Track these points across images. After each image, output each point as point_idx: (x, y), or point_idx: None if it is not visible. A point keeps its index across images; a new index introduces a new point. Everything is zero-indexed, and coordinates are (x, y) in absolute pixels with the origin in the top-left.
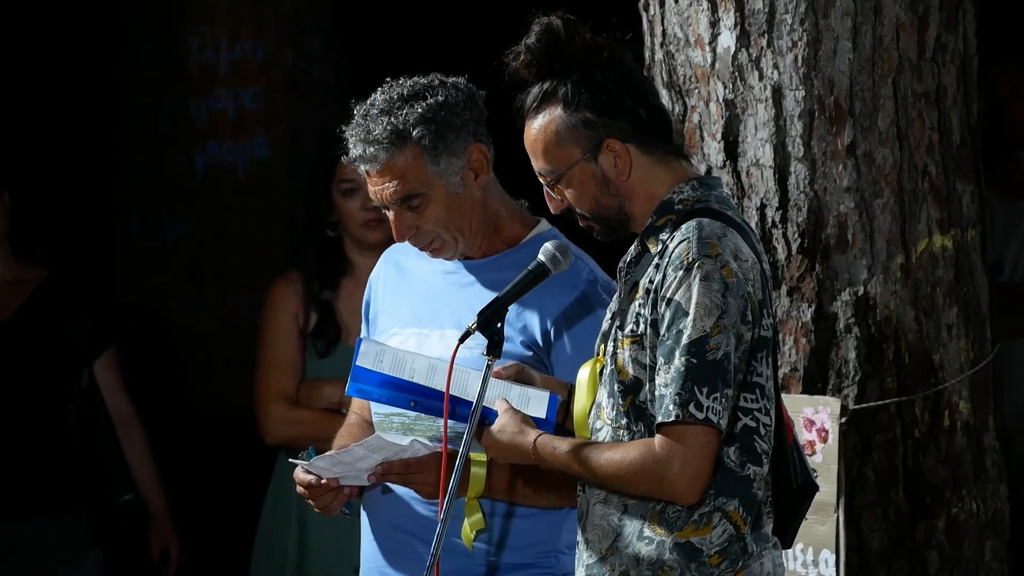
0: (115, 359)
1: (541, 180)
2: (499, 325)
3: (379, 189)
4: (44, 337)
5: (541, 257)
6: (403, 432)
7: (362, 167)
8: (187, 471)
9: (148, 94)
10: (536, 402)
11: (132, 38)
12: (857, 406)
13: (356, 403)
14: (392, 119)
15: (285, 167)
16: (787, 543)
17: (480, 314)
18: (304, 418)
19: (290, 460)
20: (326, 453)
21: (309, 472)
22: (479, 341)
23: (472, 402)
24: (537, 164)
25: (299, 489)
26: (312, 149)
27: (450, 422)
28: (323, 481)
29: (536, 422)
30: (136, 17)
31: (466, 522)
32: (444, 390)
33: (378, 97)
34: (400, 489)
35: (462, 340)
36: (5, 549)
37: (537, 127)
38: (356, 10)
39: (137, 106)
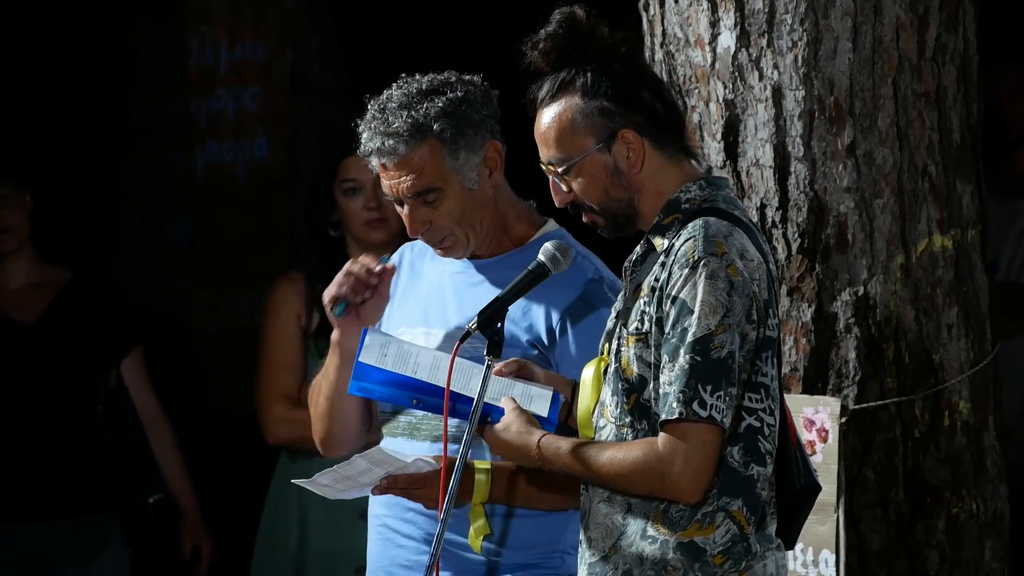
0: (141, 358)
1: (549, 170)
2: (499, 325)
3: (395, 183)
4: (71, 338)
5: (541, 257)
6: (409, 432)
7: (378, 160)
8: (187, 472)
9: (148, 94)
10: (538, 400)
11: (132, 38)
12: (857, 406)
13: None
14: (412, 112)
15: (285, 167)
16: (790, 544)
17: (480, 314)
18: (305, 418)
19: (294, 482)
20: (328, 470)
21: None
22: (484, 340)
23: (475, 399)
24: (548, 152)
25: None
26: (312, 149)
27: (454, 421)
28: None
29: (538, 420)
30: (136, 17)
31: (471, 528)
32: (447, 387)
33: (395, 92)
34: None
35: (462, 340)
36: (37, 550)
37: (551, 115)
38: (356, 10)
39: (137, 106)
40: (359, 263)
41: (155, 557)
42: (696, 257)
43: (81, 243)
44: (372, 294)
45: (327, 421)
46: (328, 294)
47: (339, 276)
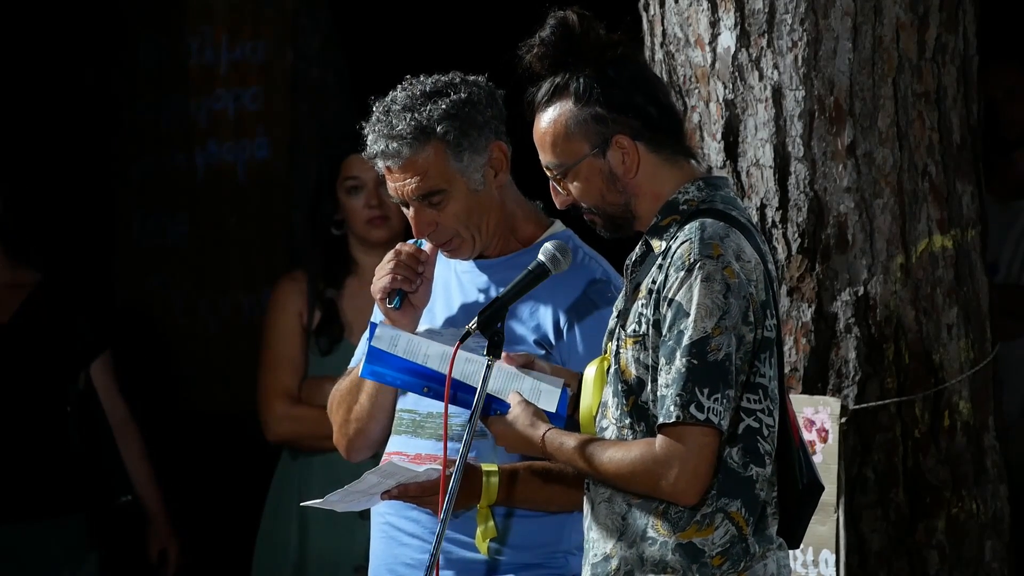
0: (109, 362)
1: (548, 174)
2: (499, 325)
3: (400, 185)
4: (42, 340)
5: (541, 257)
6: (413, 430)
7: (383, 163)
8: (187, 472)
9: (148, 94)
10: (547, 396)
11: (132, 38)
12: (857, 406)
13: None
14: (416, 115)
15: (285, 167)
16: (794, 543)
17: (480, 314)
18: (305, 416)
19: (303, 505)
20: (340, 490)
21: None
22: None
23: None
24: (545, 157)
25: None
26: (312, 149)
27: (459, 420)
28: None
29: (546, 415)
30: (136, 17)
31: (478, 530)
32: (458, 378)
33: (399, 94)
34: None
35: (462, 340)
36: (5, 551)
37: (547, 120)
38: (356, 10)
39: (137, 106)
40: (404, 250)
41: (124, 560)
42: (692, 260)
43: (76, 243)
44: (421, 280)
45: (365, 420)
46: (379, 287)
47: (387, 267)
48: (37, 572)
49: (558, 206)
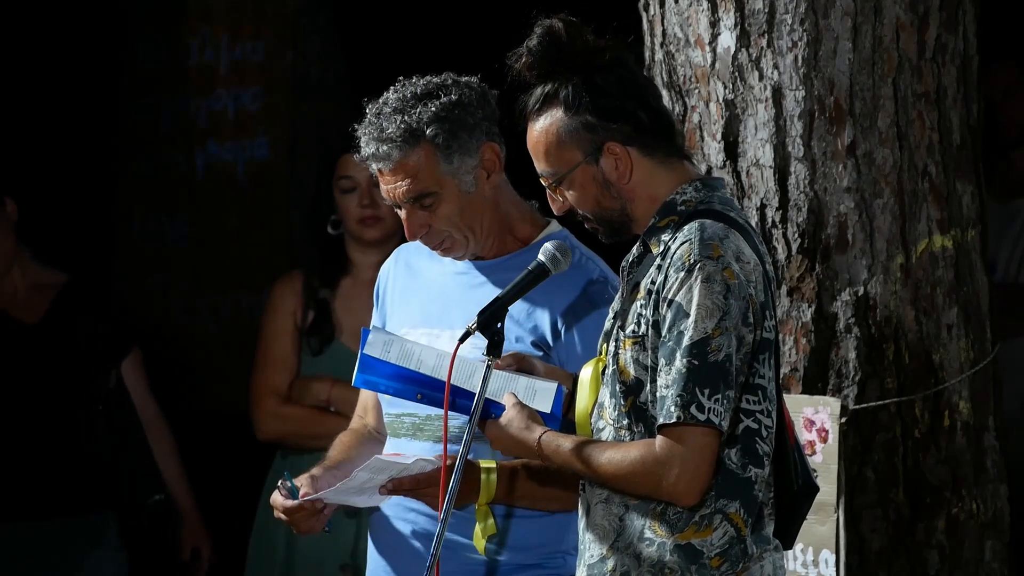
0: (140, 359)
1: (543, 182)
2: (499, 325)
3: (391, 188)
4: (75, 338)
5: (541, 257)
6: (413, 432)
7: (374, 165)
8: (188, 472)
9: (148, 94)
10: (542, 396)
11: (132, 38)
12: (857, 406)
13: (360, 406)
14: (406, 117)
15: (285, 167)
16: (788, 544)
17: (480, 314)
18: (293, 415)
19: (299, 501)
20: (333, 487)
21: (287, 495)
22: (485, 340)
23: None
24: (539, 166)
25: (277, 514)
26: (312, 149)
27: (457, 422)
28: (301, 503)
29: (542, 416)
30: (136, 17)
31: (477, 528)
32: (454, 382)
33: (391, 96)
34: None
35: (462, 340)
36: (35, 549)
37: (539, 129)
38: (356, 10)
39: (137, 106)
40: (277, 512)
41: (153, 558)
42: (692, 260)
43: (77, 244)
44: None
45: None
46: (313, 529)
47: (295, 526)
48: (66, 570)
49: (556, 213)
